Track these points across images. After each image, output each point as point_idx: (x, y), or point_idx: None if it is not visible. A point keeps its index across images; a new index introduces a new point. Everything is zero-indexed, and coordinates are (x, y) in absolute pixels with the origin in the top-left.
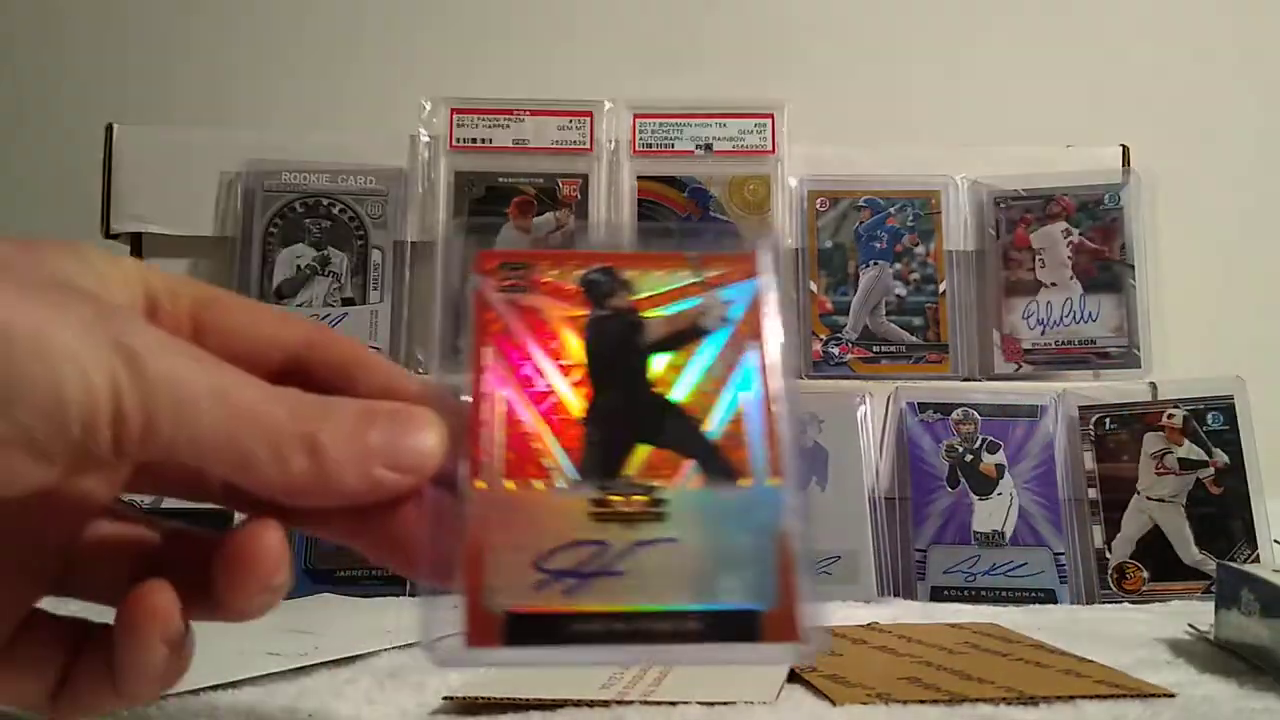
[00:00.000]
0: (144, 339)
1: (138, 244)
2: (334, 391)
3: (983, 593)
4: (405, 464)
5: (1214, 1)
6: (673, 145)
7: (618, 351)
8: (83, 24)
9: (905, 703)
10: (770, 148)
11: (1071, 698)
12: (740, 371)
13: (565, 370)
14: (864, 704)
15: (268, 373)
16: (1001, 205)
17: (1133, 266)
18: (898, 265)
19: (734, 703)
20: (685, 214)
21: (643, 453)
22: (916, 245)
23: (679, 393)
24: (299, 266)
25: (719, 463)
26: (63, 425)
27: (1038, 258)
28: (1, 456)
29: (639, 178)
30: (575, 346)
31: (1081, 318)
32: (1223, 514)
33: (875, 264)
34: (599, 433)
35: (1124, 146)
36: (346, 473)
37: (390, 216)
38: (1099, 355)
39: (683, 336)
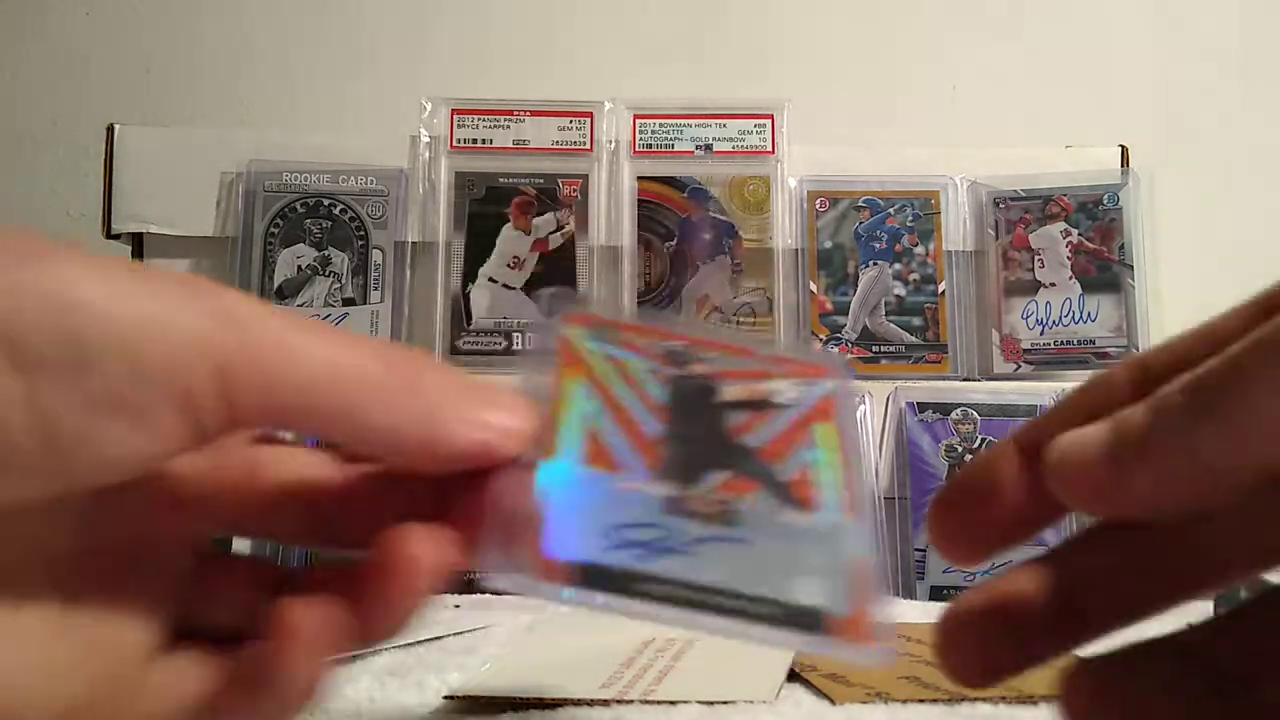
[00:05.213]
0: (233, 297)
1: (139, 244)
2: None
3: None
4: (503, 427)
5: (1214, 2)
6: (673, 145)
7: (697, 403)
8: (83, 24)
9: (905, 702)
10: (770, 148)
11: None
12: (810, 440)
13: (648, 405)
14: (863, 703)
15: None
16: (1000, 206)
17: (1131, 267)
18: (897, 265)
19: (734, 702)
20: (685, 214)
21: (717, 476)
22: (916, 245)
23: (753, 442)
24: (300, 267)
25: (791, 495)
26: (159, 385)
27: (1037, 258)
28: (102, 423)
29: (639, 178)
30: (657, 392)
31: (1080, 318)
32: None
33: (875, 264)
34: (675, 452)
35: (1123, 147)
36: (456, 428)
37: (391, 217)
38: (1098, 355)
39: (756, 405)
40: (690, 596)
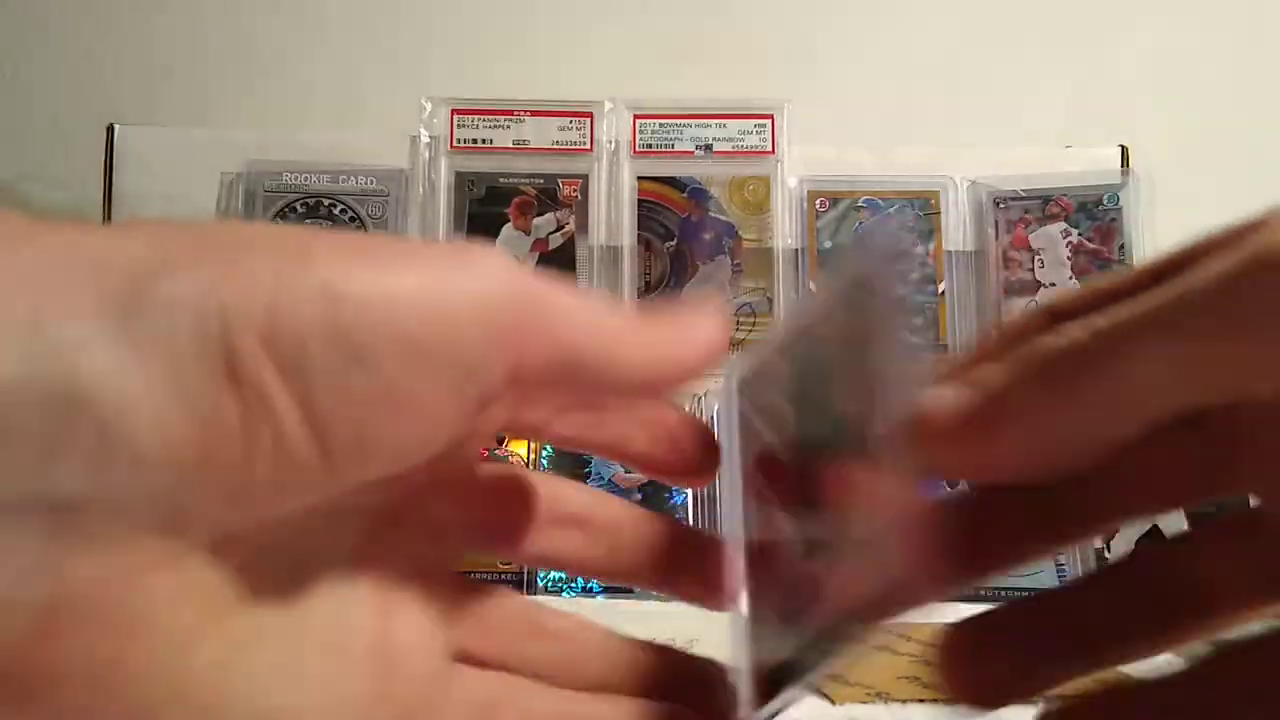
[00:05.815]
0: (504, 258)
1: None
2: None
3: (981, 592)
4: (709, 339)
5: (1214, 2)
6: (673, 145)
7: (810, 390)
8: (83, 24)
9: (904, 701)
10: (770, 148)
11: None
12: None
13: (783, 436)
14: (863, 702)
15: None
16: (1001, 206)
17: (1132, 267)
18: None
19: None
20: (685, 214)
21: (829, 474)
22: (916, 245)
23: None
24: None
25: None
26: (439, 372)
27: (1037, 258)
28: (378, 420)
29: (639, 178)
30: (788, 413)
31: None
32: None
33: None
34: (797, 469)
35: (1123, 147)
36: (679, 353)
37: (391, 217)
38: None
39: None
40: (827, 643)
